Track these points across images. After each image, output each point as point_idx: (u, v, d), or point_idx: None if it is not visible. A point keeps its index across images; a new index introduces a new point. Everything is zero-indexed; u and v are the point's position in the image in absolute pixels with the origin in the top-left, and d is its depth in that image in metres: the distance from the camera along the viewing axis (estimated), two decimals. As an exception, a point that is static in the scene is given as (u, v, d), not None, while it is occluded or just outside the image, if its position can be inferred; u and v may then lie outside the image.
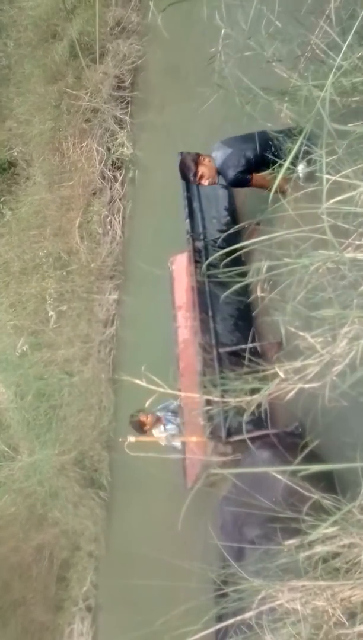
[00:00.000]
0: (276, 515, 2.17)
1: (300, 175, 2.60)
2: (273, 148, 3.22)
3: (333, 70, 1.65)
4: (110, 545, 7.05)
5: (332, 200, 1.49)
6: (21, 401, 8.14)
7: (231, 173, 3.53)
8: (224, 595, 2.21)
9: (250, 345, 3.37)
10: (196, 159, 3.68)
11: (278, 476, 2.19)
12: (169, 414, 4.64)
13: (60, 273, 8.32)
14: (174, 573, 2.50)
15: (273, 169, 3.06)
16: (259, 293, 2.19)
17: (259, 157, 3.35)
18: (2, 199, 10.78)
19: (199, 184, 3.82)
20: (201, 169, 3.68)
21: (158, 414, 4.66)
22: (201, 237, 4.17)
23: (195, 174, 3.71)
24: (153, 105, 7.44)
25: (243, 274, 2.12)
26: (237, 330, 3.70)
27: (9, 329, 8.95)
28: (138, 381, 2.24)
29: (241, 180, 3.56)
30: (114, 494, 7.09)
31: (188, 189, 4.30)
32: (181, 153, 4.07)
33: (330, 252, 1.86)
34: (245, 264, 2.28)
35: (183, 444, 4.22)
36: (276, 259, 2.02)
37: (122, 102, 8.15)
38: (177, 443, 4.43)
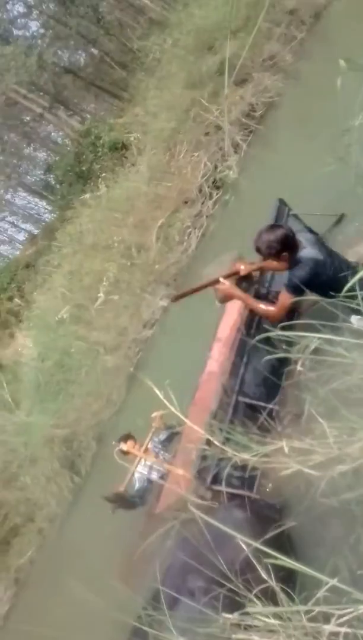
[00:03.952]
0: (225, 582, 2.11)
1: (355, 325, 2.37)
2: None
3: None
4: (62, 532, 7.05)
5: None
6: (42, 363, 8.34)
7: (298, 275, 2.83)
8: (144, 635, 2.16)
9: (270, 405, 3.32)
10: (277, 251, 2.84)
11: (243, 545, 2.13)
12: (159, 445, 4.54)
13: (125, 262, 8.50)
14: (106, 590, 2.47)
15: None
16: (298, 367, 2.16)
17: (329, 284, 2.55)
18: (103, 174, 11.21)
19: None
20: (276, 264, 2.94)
21: (150, 445, 4.53)
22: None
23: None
24: (273, 145, 7.53)
25: (291, 343, 2.10)
26: (263, 385, 3.64)
27: (58, 294, 9.21)
28: (156, 390, 2.24)
29: (296, 290, 2.85)
30: (87, 485, 7.10)
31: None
32: (280, 200, 4.05)
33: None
34: (297, 332, 2.24)
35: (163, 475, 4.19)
36: (327, 343, 1.99)
37: (245, 130, 8.30)
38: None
